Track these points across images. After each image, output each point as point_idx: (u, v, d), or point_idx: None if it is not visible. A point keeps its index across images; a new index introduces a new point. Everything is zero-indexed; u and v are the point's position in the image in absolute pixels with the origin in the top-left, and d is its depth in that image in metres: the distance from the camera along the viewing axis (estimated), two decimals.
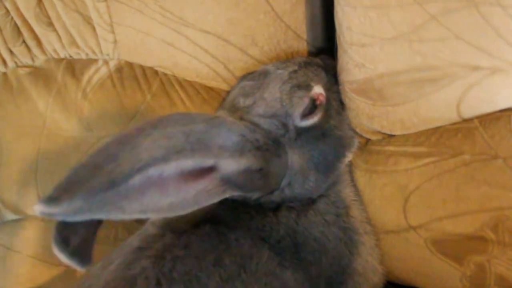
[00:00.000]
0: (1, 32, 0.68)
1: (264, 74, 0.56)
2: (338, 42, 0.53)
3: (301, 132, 0.51)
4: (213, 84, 0.67)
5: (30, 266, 0.69)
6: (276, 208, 0.52)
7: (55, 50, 0.69)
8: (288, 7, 0.59)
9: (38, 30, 0.68)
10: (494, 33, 0.41)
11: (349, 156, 0.56)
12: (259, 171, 0.46)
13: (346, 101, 0.55)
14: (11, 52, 0.70)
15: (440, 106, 0.48)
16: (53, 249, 0.38)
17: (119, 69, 0.68)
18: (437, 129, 0.50)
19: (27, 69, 0.71)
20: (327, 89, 0.55)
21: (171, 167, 0.39)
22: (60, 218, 0.36)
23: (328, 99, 0.54)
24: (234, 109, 0.53)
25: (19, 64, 0.71)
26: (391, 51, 0.47)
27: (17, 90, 0.70)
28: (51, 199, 0.34)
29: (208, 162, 0.42)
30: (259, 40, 0.61)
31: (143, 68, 0.68)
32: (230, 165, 0.43)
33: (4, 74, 0.71)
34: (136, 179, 0.37)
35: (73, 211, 0.35)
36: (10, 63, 0.71)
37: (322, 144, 0.52)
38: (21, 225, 0.72)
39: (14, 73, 0.71)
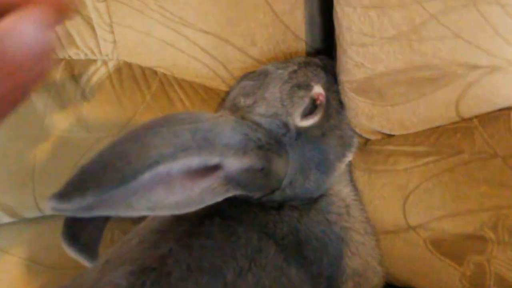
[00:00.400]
0: None
1: (264, 74, 0.56)
2: (337, 42, 0.53)
3: (301, 132, 0.51)
4: (212, 84, 0.67)
5: (26, 270, 0.68)
6: (279, 206, 0.52)
7: None
8: (288, 7, 0.59)
9: None
10: (493, 31, 0.41)
11: (349, 156, 0.56)
12: (261, 171, 0.47)
13: (346, 101, 0.55)
14: None
15: (439, 106, 0.49)
16: (61, 243, 0.38)
17: (118, 70, 0.68)
18: (436, 128, 0.51)
19: None
20: (326, 89, 0.55)
21: (179, 165, 0.40)
22: (71, 214, 0.36)
23: (327, 99, 0.54)
24: (235, 109, 0.53)
25: None
26: (390, 51, 0.47)
27: None
28: (63, 195, 0.35)
29: (213, 160, 0.42)
30: (258, 40, 0.61)
31: (142, 69, 0.68)
32: (233, 164, 0.44)
33: None
34: (146, 176, 0.37)
35: (84, 207, 0.35)
36: None
37: (322, 144, 0.52)
38: (17, 228, 0.71)
39: None
